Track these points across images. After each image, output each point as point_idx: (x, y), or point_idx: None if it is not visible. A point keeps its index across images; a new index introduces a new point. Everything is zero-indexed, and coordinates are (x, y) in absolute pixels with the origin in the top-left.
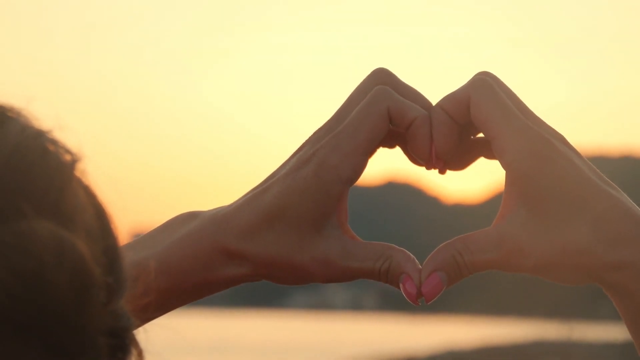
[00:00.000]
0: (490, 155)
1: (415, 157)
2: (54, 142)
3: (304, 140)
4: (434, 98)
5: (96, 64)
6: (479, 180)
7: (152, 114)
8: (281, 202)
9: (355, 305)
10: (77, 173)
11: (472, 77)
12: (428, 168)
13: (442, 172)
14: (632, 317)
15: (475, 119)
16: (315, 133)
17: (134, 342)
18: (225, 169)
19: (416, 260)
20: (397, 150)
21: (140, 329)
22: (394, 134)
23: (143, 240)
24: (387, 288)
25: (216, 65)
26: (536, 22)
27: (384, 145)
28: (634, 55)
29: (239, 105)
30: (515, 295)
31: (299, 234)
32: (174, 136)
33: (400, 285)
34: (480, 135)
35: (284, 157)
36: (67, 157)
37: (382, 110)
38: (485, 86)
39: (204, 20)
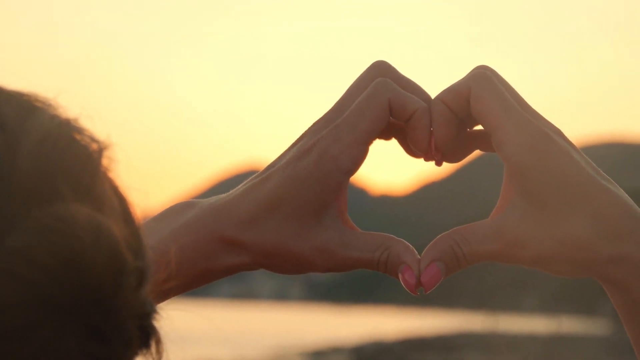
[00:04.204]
0: (486, 148)
1: (414, 148)
2: (81, 131)
3: (284, 130)
4: None
5: (67, 48)
6: (406, 172)
7: (125, 99)
8: (281, 191)
9: (281, 295)
10: (104, 161)
11: (472, 71)
12: (426, 160)
13: (439, 163)
14: (628, 311)
15: (476, 112)
16: (314, 124)
17: (154, 328)
18: (197, 159)
19: (415, 251)
20: None
21: (161, 316)
22: (391, 125)
23: None
24: (312, 278)
25: (194, 50)
26: (493, 20)
27: (381, 137)
28: (585, 52)
29: (213, 92)
30: (440, 287)
31: (298, 224)
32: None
33: (400, 275)
34: (477, 127)
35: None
36: (94, 146)
37: (383, 102)
38: (485, 79)
39: (187, 2)
